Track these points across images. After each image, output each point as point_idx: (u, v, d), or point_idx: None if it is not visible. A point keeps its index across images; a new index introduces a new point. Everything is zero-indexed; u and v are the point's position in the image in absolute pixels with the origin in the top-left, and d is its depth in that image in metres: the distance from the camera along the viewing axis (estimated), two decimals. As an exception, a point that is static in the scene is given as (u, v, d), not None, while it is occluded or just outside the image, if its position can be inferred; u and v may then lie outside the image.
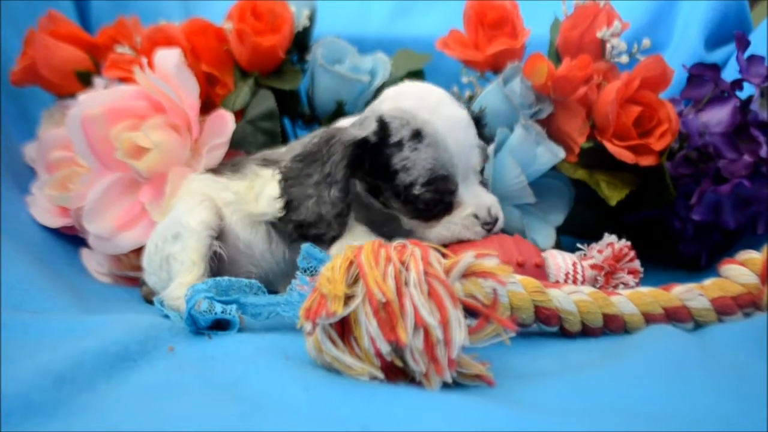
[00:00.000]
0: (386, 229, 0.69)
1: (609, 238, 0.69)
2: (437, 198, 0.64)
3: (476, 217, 0.64)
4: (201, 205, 0.71)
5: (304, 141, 0.73)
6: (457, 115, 0.65)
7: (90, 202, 0.78)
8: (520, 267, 0.63)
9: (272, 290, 0.68)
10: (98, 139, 0.77)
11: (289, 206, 0.64)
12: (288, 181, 0.65)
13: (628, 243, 0.68)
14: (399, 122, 0.63)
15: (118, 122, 0.77)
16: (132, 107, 0.79)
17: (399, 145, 0.63)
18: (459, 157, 0.63)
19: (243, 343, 0.52)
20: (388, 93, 0.69)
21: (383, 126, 0.63)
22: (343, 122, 0.71)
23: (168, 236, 0.71)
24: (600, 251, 0.68)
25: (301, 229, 0.63)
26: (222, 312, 0.56)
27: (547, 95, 0.80)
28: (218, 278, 0.59)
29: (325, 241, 0.63)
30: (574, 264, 0.66)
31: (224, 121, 0.81)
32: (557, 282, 0.64)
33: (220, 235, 0.72)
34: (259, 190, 0.71)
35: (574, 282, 0.65)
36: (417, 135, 0.62)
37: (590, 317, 0.55)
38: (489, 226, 0.65)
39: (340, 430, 0.37)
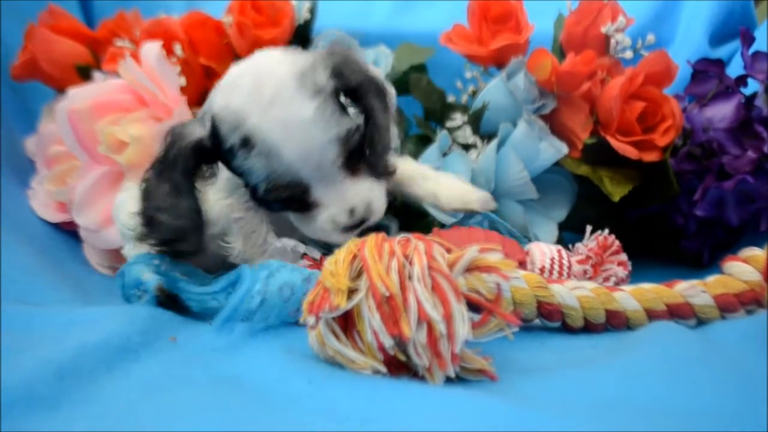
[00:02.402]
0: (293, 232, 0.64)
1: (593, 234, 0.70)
2: (287, 200, 0.57)
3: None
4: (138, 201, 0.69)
5: None
6: (294, 115, 0.53)
7: (79, 194, 0.78)
8: None
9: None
10: (86, 133, 0.77)
11: (149, 223, 0.57)
12: (145, 194, 0.57)
13: (612, 235, 0.69)
14: (228, 126, 0.54)
15: (105, 116, 0.77)
16: (118, 101, 0.79)
17: (231, 152, 0.55)
18: (301, 162, 0.54)
19: (245, 336, 0.52)
20: (225, 80, 0.58)
21: (213, 128, 0.56)
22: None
23: (120, 236, 0.70)
24: (586, 246, 0.68)
25: (167, 246, 0.57)
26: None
27: (551, 90, 0.79)
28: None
29: (189, 257, 0.58)
30: (558, 251, 0.66)
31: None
32: (543, 267, 0.65)
33: None
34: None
35: (560, 268, 0.65)
36: (245, 143, 0.54)
37: (592, 313, 0.55)
38: (352, 229, 0.58)
39: (343, 423, 0.37)
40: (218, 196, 0.62)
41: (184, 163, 0.56)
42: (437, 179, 0.68)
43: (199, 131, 0.56)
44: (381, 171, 0.60)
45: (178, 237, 0.56)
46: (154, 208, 0.56)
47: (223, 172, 0.62)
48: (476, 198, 0.67)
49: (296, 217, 0.60)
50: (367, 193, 0.58)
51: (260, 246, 0.63)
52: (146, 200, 0.57)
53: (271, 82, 0.54)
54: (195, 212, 0.56)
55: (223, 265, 0.66)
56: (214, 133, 0.56)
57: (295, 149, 0.53)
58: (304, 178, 0.55)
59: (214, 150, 0.56)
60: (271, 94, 0.53)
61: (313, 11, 0.94)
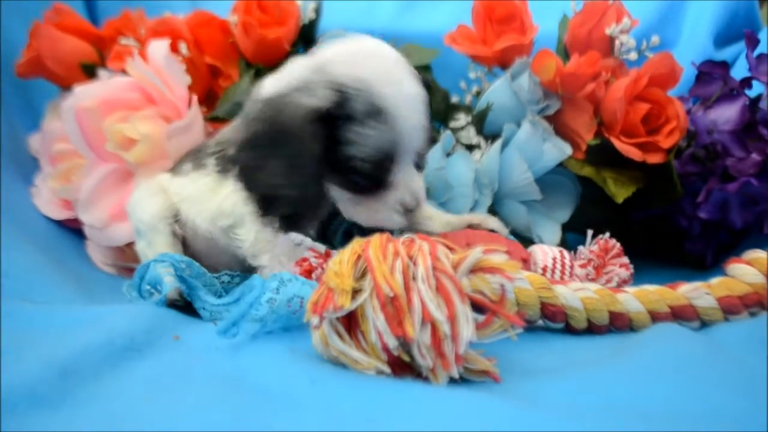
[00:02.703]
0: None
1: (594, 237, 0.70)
2: (375, 174, 0.59)
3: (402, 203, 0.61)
4: (153, 197, 0.70)
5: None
6: (416, 93, 0.59)
7: (84, 192, 0.79)
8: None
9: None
10: (92, 131, 0.78)
11: (266, 202, 0.58)
12: (249, 174, 0.58)
13: (613, 238, 0.69)
14: (356, 94, 0.56)
15: (112, 113, 0.78)
16: (126, 99, 0.79)
17: (350, 118, 0.56)
18: (410, 137, 0.58)
19: (249, 335, 0.52)
20: (338, 53, 0.60)
21: (341, 96, 0.56)
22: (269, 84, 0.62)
23: (134, 232, 0.71)
24: (588, 250, 0.68)
25: (291, 220, 0.60)
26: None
27: (555, 92, 0.79)
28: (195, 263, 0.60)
29: (307, 222, 0.62)
30: (561, 251, 0.66)
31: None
32: (544, 267, 0.65)
33: (184, 229, 0.70)
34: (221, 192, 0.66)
35: (563, 267, 0.65)
36: (374, 113, 0.56)
37: (596, 314, 0.55)
38: (409, 213, 0.62)
39: (346, 423, 0.37)
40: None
41: (301, 133, 0.55)
42: (448, 216, 0.72)
43: (312, 101, 0.56)
44: (422, 166, 0.65)
45: (302, 210, 0.58)
46: (271, 186, 0.57)
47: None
48: (494, 222, 0.71)
49: (357, 199, 0.61)
50: (422, 183, 0.62)
51: (270, 241, 0.63)
52: (256, 179, 0.58)
53: (390, 61, 0.59)
54: (317, 181, 0.57)
55: (232, 262, 0.67)
56: (338, 100, 0.56)
57: (410, 123, 0.58)
58: (399, 154, 0.58)
59: (331, 117, 0.56)
60: (396, 70, 0.59)
61: (318, 11, 0.95)
